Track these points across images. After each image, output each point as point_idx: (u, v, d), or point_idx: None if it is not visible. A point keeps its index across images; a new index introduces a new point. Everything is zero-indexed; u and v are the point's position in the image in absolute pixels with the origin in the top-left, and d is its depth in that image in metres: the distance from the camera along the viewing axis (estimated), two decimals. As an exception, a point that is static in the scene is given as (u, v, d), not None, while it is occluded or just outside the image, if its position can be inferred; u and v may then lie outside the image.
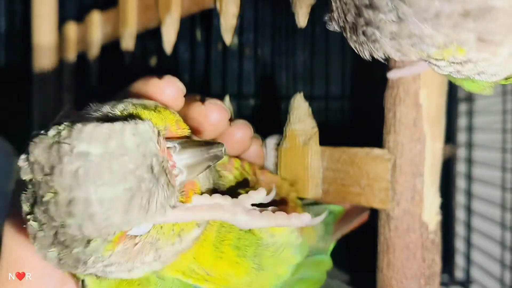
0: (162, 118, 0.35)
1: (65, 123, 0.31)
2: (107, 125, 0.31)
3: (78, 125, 0.31)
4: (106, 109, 0.34)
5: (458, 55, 0.30)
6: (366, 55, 0.32)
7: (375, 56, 0.32)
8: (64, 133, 0.31)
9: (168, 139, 0.34)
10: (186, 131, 0.37)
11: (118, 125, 0.31)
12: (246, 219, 0.38)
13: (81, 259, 0.32)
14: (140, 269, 0.35)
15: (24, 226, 0.33)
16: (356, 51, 0.33)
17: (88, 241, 0.32)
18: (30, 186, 0.32)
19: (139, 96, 0.38)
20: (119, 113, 0.34)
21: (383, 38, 0.30)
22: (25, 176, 0.32)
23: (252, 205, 0.39)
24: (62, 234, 0.31)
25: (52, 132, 0.31)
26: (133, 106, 0.35)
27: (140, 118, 0.33)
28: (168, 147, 0.33)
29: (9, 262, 0.41)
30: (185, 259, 0.38)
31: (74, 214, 0.30)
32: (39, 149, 0.31)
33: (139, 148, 0.31)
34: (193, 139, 0.36)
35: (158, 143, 0.32)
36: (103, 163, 0.30)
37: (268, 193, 0.40)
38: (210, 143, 0.35)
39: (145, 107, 0.35)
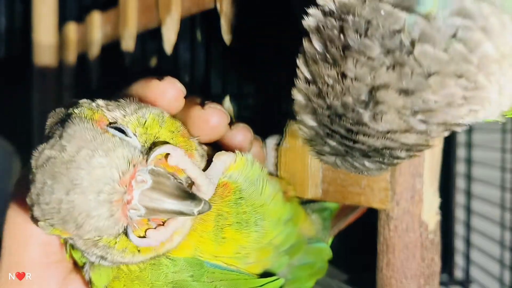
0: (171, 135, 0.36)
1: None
2: (93, 133, 0.32)
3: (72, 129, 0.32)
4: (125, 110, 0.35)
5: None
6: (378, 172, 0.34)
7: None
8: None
9: (159, 163, 0.34)
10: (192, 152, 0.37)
11: (101, 139, 0.32)
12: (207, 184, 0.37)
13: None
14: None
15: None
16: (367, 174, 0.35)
17: None
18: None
19: (139, 98, 0.38)
20: (132, 124, 0.34)
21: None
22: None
23: None
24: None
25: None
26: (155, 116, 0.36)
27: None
28: (139, 180, 0.32)
29: (9, 262, 0.41)
30: (186, 249, 0.38)
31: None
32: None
33: (99, 169, 0.31)
34: (174, 184, 0.34)
35: (124, 173, 0.32)
36: (60, 165, 0.31)
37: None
38: (187, 195, 0.33)
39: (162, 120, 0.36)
